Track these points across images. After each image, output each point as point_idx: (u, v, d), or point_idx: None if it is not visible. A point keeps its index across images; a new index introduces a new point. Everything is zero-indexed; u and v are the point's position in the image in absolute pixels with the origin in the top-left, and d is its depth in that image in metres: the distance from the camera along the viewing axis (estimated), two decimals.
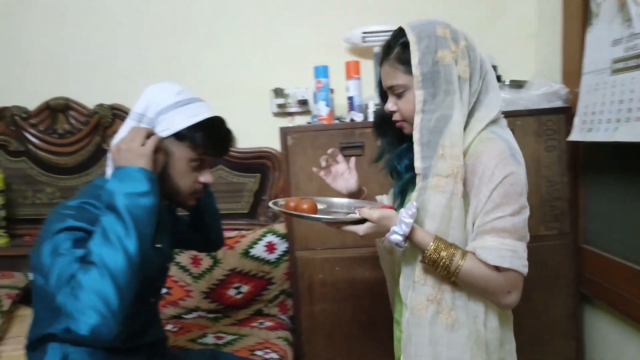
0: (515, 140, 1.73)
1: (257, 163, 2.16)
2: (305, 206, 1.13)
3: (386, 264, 1.35)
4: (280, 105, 2.13)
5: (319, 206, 1.21)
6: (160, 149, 1.11)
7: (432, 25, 1.08)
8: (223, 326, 1.87)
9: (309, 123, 1.99)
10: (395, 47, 1.10)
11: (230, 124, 2.10)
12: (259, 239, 1.98)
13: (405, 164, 1.17)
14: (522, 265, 1.05)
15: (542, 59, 2.13)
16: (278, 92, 2.12)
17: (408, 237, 1.04)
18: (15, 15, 2.18)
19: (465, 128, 1.07)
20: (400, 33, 1.11)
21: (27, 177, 2.21)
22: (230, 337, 1.76)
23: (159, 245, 1.22)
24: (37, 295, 1.09)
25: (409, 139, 1.13)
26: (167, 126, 1.11)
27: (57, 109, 2.17)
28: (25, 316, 1.79)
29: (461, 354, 1.07)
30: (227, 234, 2.01)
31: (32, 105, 2.18)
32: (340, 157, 1.33)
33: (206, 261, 1.96)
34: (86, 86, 2.17)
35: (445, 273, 1.04)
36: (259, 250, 1.97)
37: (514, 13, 2.16)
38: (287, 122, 2.13)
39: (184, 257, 1.95)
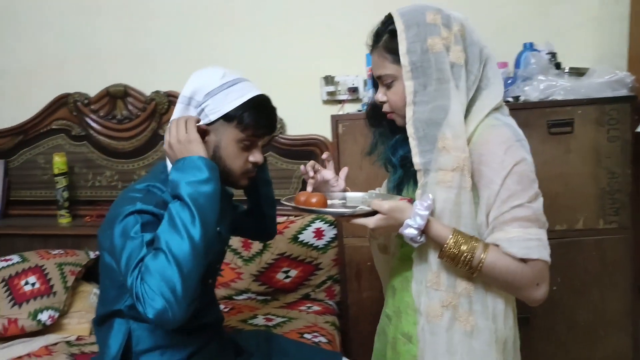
0: (575, 129, 1.71)
1: (306, 150, 2.18)
2: (314, 200, 1.09)
3: (380, 263, 1.31)
4: (330, 93, 2.13)
5: (332, 201, 1.18)
6: (209, 132, 1.14)
7: (421, 11, 1.03)
8: (272, 308, 1.91)
9: (359, 111, 1.99)
10: (384, 35, 1.06)
11: (280, 112, 2.13)
12: (308, 225, 2.01)
13: (400, 156, 1.11)
14: (548, 254, 0.98)
15: (605, 45, 2.03)
16: (328, 80, 2.12)
17: (424, 231, 0.98)
18: (80, 7, 2.28)
19: (466, 117, 1.02)
20: (388, 20, 1.06)
21: (88, 160, 2.32)
22: (279, 320, 1.80)
23: (218, 229, 1.26)
24: (105, 273, 1.15)
25: (402, 129, 1.08)
26: (215, 108, 1.13)
27: (116, 96, 2.25)
28: (87, 292, 1.90)
29: None
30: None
31: (93, 92, 2.28)
32: (330, 165, 1.26)
33: (256, 245, 2.00)
34: (143, 74, 2.25)
35: (467, 269, 0.98)
36: (307, 236, 2.00)
37: None
38: (336, 109, 2.13)
39: (235, 241, 2.01)
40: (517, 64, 1.97)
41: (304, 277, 1.99)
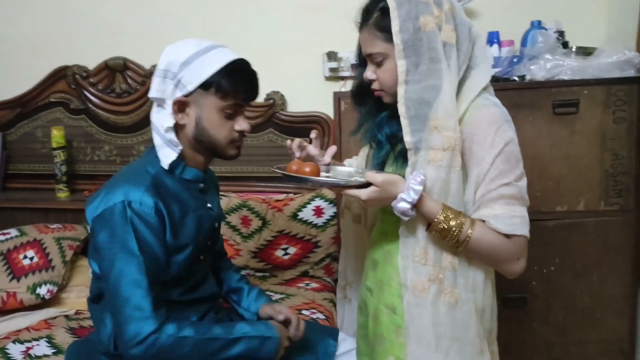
0: (581, 109, 1.69)
1: (307, 127, 2.15)
2: (307, 169, 1.08)
3: (350, 233, 1.32)
4: (332, 69, 2.10)
5: (323, 174, 1.17)
6: (188, 103, 1.12)
7: None
8: (270, 285, 1.91)
9: None
10: (374, 12, 1.05)
11: (281, 88, 2.18)
12: (307, 203, 2.00)
13: (385, 133, 1.12)
14: (528, 230, 1.03)
15: (615, 24, 1.98)
16: (331, 56, 2.08)
17: (415, 206, 1.00)
18: None
19: (456, 96, 1.02)
20: None
21: (87, 134, 2.29)
22: (278, 296, 1.80)
23: (209, 205, 1.24)
24: (94, 256, 1.14)
25: (388, 107, 1.09)
26: (191, 78, 1.09)
27: (115, 69, 2.22)
28: (85, 266, 1.90)
29: (464, 331, 1.05)
30: (275, 196, 2.06)
31: (91, 64, 2.24)
32: (316, 142, 1.26)
33: (255, 222, 2.00)
34: (143, 47, 2.21)
35: (454, 242, 1.01)
36: (306, 213, 1.99)
37: None
38: (339, 86, 2.10)
39: (234, 217, 2.00)
40: (523, 43, 1.93)
41: (303, 255, 1.99)
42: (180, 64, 1.10)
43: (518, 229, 1.01)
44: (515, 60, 1.85)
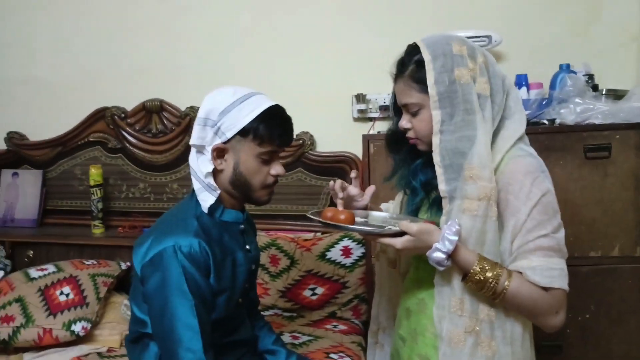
0: (613, 153, 1.67)
1: (336, 167, 2.18)
2: (342, 217, 1.09)
3: (385, 277, 1.32)
4: (361, 111, 2.14)
5: (357, 219, 1.18)
6: (227, 150, 1.16)
7: (447, 41, 1.06)
8: (298, 326, 1.91)
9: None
10: (410, 65, 1.08)
11: (311, 128, 2.22)
12: (336, 243, 2.01)
13: (420, 180, 1.14)
14: (567, 283, 1.02)
15: None
16: (359, 98, 2.13)
17: (450, 256, 1.00)
18: (119, 24, 2.35)
19: (491, 147, 1.04)
20: (414, 50, 1.08)
21: (123, 172, 2.37)
22: (305, 338, 1.80)
23: (247, 247, 1.27)
24: (138, 297, 1.17)
25: (423, 155, 1.11)
26: (230, 125, 1.14)
27: (152, 110, 2.30)
28: (118, 303, 1.93)
29: None
30: (303, 235, 2.07)
31: (129, 106, 2.34)
32: (356, 182, 1.27)
33: (284, 261, 2.01)
34: (178, 89, 2.30)
35: (490, 294, 1.00)
36: (335, 253, 1.99)
37: (613, 15, 2.01)
38: (367, 127, 2.13)
39: (263, 256, 2.01)
40: (552, 86, 1.94)
41: (331, 295, 1.99)
42: (220, 112, 1.15)
43: (556, 282, 1.00)
44: (544, 103, 1.85)
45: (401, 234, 1.02)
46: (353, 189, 1.25)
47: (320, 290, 1.98)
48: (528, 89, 1.96)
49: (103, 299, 1.88)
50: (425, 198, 1.17)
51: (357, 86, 2.15)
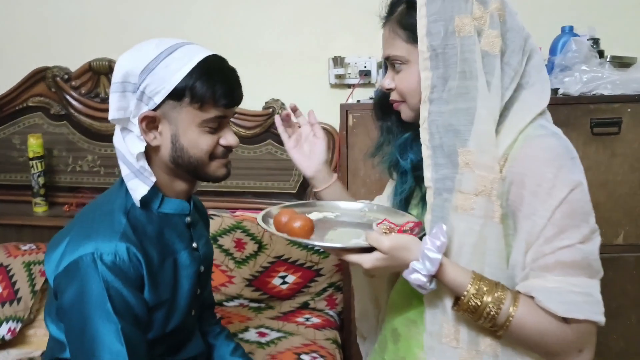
0: (623, 129, 1.48)
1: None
2: (296, 224, 0.85)
3: (363, 286, 1.08)
4: (339, 76, 1.90)
5: (323, 214, 0.97)
6: (159, 118, 0.91)
7: None
8: (266, 319, 1.70)
9: (371, 98, 1.76)
10: (399, 5, 0.85)
11: (282, 95, 1.97)
12: None
13: (411, 160, 0.91)
14: (599, 312, 0.77)
15: None
16: (337, 61, 1.89)
17: (435, 276, 0.78)
18: None
19: (500, 123, 0.81)
20: None
21: (68, 142, 2.10)
22: (274, 335, 1.59)
23: (194, 245, 1.04)
24: (53, 312, 0.94)
25: (414, 127, 0.87)
26: (158, 86, 0.88)
27: (99, 71, 2.02)
28: None
29: None
30: None
31: (74, 66, 2.05)
32: (303, 118, 1.06)
33: (250, 246, 1.79)
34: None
35: (490, 325, 0.78)
36: None
37: None
38: (345, 94, 1.90)
39: (227, 240, 1.80)
40: (552, 51, 1.73)
41: (303, 284, 1.79)
42: (141, 71, 0.88)
43: (579, 311, 0.75)
44: None
45: (371, 248, 0.79)
46: (304, 128, 1.07)
47: (291, 279, 1.78)
48: None
49: (39, 292, 1.63)
50: (416, 186, 0.94)
51: (334, 48, 1.91)
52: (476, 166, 0.78)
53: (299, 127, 1.11)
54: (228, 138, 0.95)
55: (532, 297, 0.77)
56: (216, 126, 0.93)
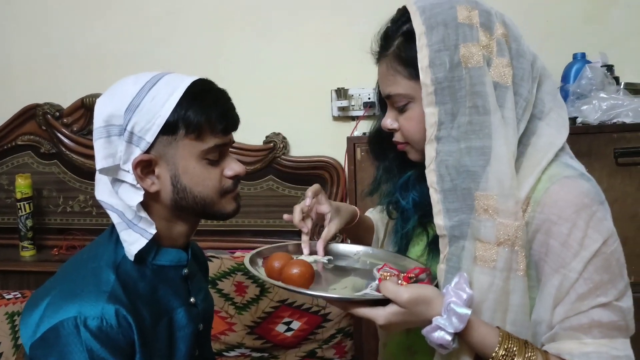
0: None
1: (313, 174, 1.87)
2: (295, 271, 0.74)
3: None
4: (342, 109, 1.83)
5: (314, 257, 0.87)
6: (156, 161, 0.81)
7: (450, 4, 0.73)
8: None
9: None
10: (396, 39, 0.76)
11: (284, 129, 1.88)
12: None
13: (413, 200, 0.83)
14: None
15: None
16: (340, 93, 1.82)
17: (459, 334, 0.69)
18: (50, 9, 2.00)
19: (517, 162, 0.73)
20: (403, 16, 0.75)
21: (59, 182, 2.02)
22: None
23: (192, 300, 0.92)
24: None
25: (417, 165, 0.79)
26: (147, 123, 0.80)
27: (92, 108, 1.92)
28: None
29: None
30: None
31: (65, 103, 1.99)
32: (323, 198, 0.93)
33: (252, 289, 1.68)
34: None
35: None
36: None
37: None
38: (349, 127, 1.83)
39: (226, 284, 1.68)
40: (565, 78, 1.66)
41: (309, 330, 1.66)
42: (125, 110, 0.79)
43: None
44: None
45: (385, 301, 0.69)
46: (323, 207, 0.92)
47: (296, 325, 1.66)
48: None
49: (22, 347, 1.50)
50: (419, 227, 0.85)
51: (337, 79, 1.84)
52: (497, 213, 0.70)
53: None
54: (233, 167, 0.87)
55: None
56: (217, 157, 0.85)
